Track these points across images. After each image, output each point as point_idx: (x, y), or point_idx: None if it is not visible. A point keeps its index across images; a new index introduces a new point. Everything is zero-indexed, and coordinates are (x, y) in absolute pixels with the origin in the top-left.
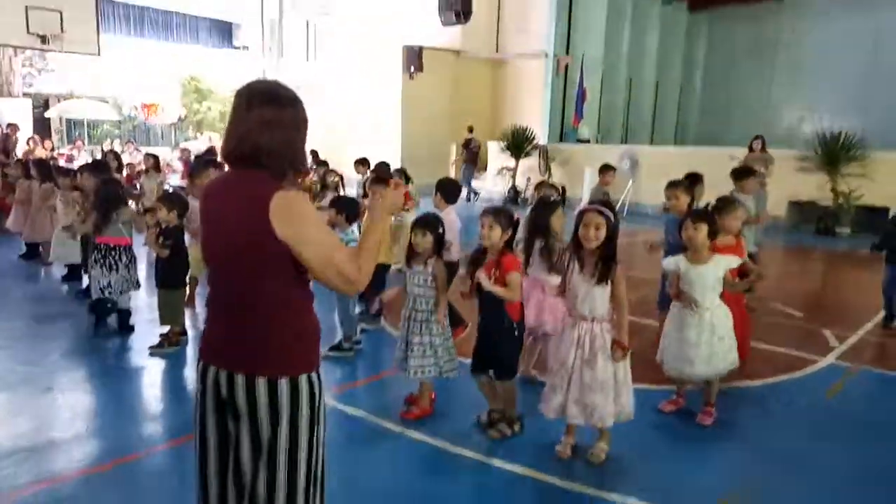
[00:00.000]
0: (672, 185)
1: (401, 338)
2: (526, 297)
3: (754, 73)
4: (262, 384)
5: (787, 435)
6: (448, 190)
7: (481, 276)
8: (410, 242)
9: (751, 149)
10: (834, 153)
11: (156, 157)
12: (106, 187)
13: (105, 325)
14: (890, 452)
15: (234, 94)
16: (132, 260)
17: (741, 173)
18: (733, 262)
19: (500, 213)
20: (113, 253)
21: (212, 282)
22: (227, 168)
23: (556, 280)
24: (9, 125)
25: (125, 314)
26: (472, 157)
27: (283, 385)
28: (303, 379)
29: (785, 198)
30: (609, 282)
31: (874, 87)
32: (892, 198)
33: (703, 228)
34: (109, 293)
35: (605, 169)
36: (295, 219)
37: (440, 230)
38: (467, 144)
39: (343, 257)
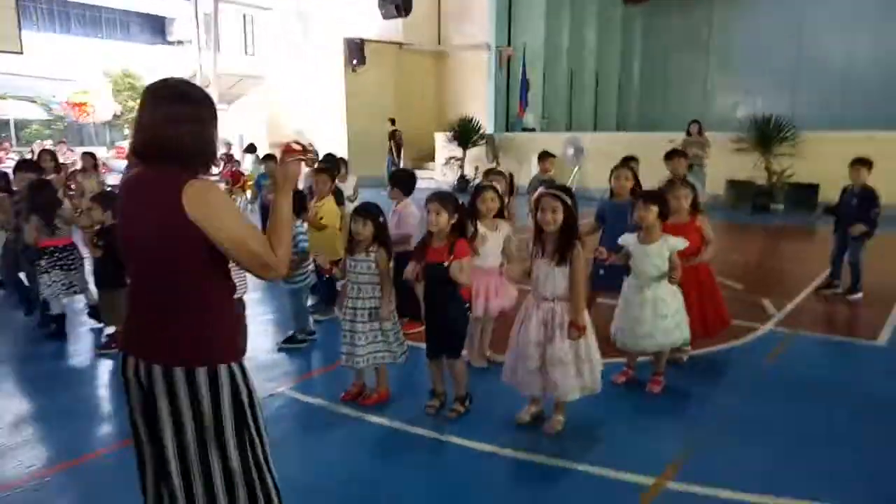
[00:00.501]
0: (620, 167)
1: (344, 330)
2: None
3: (689, 61)
4: (179, 374)
5: (730, 398)
6: (404, 182)
7: (455, 264)
8: (350, 232)
9: (688, 133)
10: (766, 135)
11: (94, 156)
12: (39, 190)
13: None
14: (824, 409)
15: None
16: (81, 257)
17: (668, 155)
18: (679, 244)
19: (446, 199)
20: (65, 252)
21: (130, 275)
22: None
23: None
24: None
25: (62, 318)
26: (398, 149)
27: (201, 375)
28: (222, 368)
29: (723, 178)
30: (568, 263)
31: (802, 72)
32: (820, 175)
33: (654, 209)
34: (76, 291)
35: (545, 156)
36: (208, 204)
37: (380, 218)
38: (392, 136)
39: (257, 242)
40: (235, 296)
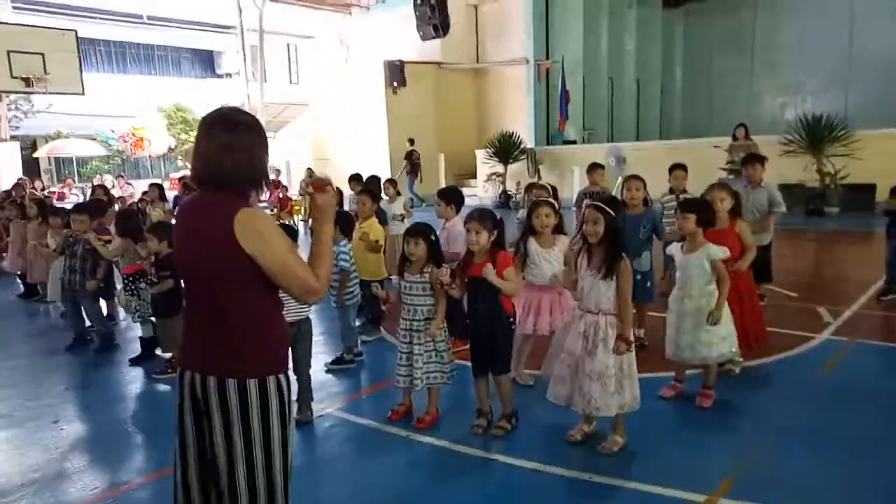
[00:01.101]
0: (631, 178)
1: (401, 352)
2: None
3: (733, 63)
4: (232, 385)
5: (786, 410)
6: (455, 199)
7: (488, 268)
8: (404, 252)
9: (734, 137)
10: (817, 135)
11: (160, 186)
12: (128, 217)
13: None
14: (884, 420)
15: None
16: None
17: (744, 160)
18: (718, 252)
19: (485, 217)
20: (143, 278)
21: (186, 294)
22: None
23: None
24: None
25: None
26: (415, 168)
27: (252, 386)
28: (271, 380)
29: (773, 182)
30: (614, 277)
31: (854, 67)
32: (876, 174)
33: (691, 217)
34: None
35: (594, 168)
36: (258, 232)
37: (432, 237)
38: (409, 156)
39: (301, 268)
40: (300, 316)
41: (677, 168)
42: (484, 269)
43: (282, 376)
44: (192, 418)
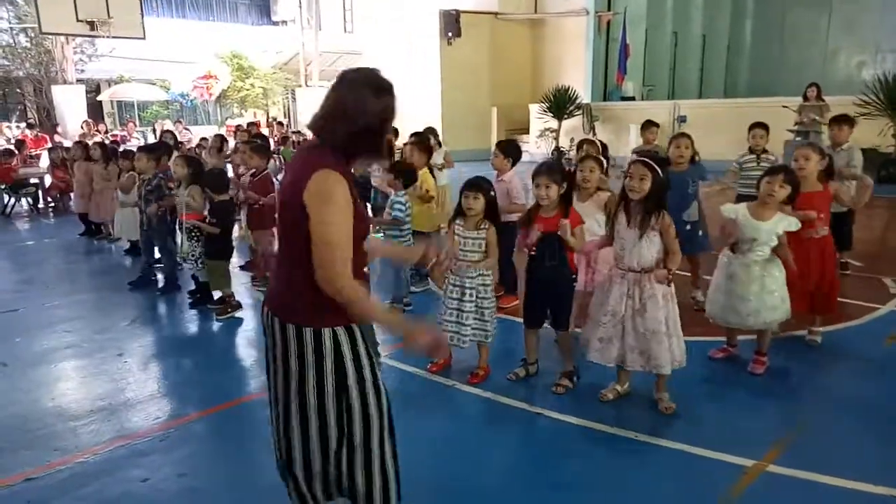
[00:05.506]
0: (679, 136)
1: (451, 308)
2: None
3: (808, 19)
4: (291, 329)
5: (844, 381)
6: (513, 152)
7: (565, 225)
8: (460, 204)
9: (805, 97)
10: (895, 97)
11: (223, 137)
12: (192, 163)
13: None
14: None
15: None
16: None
17: (831, 121)
18: (793, 224)
19: (553, 171)
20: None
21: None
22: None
23: None
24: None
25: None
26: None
27: (308, 334)
28: (326, 332)
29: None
30: (658, 233)
31: None
32: None
33: (788, 189)
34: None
35: (648, 125)
36: (319, 194)
37: (492, 192)
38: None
39: (336, 252)
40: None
41: (756, 126)
42: (561, 225)
43: (341, 330)
44: (268, 349)
